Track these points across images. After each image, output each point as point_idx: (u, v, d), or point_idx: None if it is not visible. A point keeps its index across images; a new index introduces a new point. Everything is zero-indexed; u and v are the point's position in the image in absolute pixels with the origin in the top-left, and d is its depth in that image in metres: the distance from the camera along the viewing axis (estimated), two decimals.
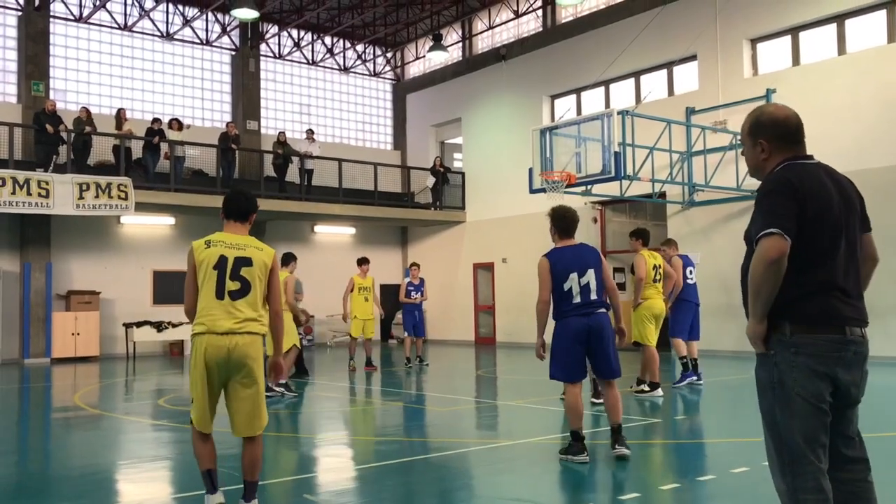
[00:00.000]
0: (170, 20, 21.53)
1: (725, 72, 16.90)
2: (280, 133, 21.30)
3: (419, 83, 25.48)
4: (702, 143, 16.15)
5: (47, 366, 17.40)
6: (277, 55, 23.67)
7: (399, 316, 17.30)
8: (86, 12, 20.22)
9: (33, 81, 19.01)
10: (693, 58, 17.59)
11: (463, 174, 23.34)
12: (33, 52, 19.13)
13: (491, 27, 23.11)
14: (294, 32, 23.68)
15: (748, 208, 15.54)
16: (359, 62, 25.43)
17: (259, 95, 22.99)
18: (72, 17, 20.15)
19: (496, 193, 21.71)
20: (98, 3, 20.08)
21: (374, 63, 26.02)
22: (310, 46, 24.27)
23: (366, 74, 25.78)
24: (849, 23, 15.47)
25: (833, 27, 15.67)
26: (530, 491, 5.57)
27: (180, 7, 21.54)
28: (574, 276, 6.23)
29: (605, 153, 13.82)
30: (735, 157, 15.84)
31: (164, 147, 18.63)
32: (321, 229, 23.13)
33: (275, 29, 23.24)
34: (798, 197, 2.98)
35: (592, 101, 20.00)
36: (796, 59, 16.22)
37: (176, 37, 21.65)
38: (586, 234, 17.99)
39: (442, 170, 22.84)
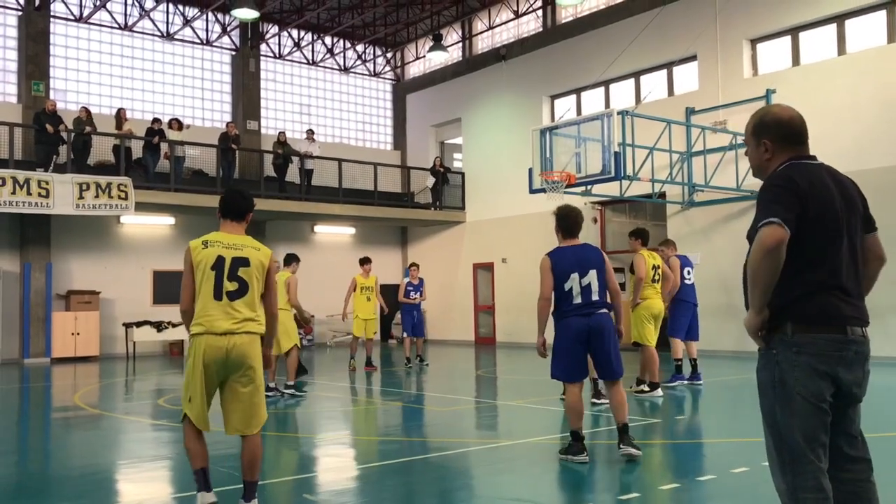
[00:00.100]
0: (170, 20, 21.54)
1: (725, 72, 16.91)
2: (280, 133, 21.31)
3: (419, 83, 25.49)
4: (702, 143, 16.15)
5: (47, 366, 17.40)
6: (277, 55, 23.68)
7: (399, 316, 17.31)
8: (86, 12, 20.23)
9: (33, 81, 19.01)
10: (693, 58, 17.59)
11: (463, 174, 23.35)
12: (33, 51, 19.13)
13: (491, 27, 23.11)
14: (294, 32, 23.68)
15: (748, 208, 15.57)
16: (359, 62, 25.43)
17: (259, 95, 22.99)
18: (72, 17, 20.16)
19: (496, 193, 21.72)
20: (98, 3, 20.09)
21: (374, 63, 26.02)
22: (310, 46, 24.28)
23: (366, 74, 25.79)
24: (849, 23, 15.47)
25: (833, 27, 15.67)
26: (530, 491, 5.57)
27: (180, 7, 21.54)
28: (575, 276, 6.22)
29: (604, 153, 13.82)
30: (735, 158, 15.85)
31: (164, 147, 18.64)
32: (321, 229, 23.13)
33: (275, 29, 23.24)
34: (800, 194, 2.98)
35: (592, 101, 20.00)
36: (796, 60, 16.22)
37: (176, 37, 21.66)
38: (586, 234, 17.97)
39: (442, 170, 22.85)
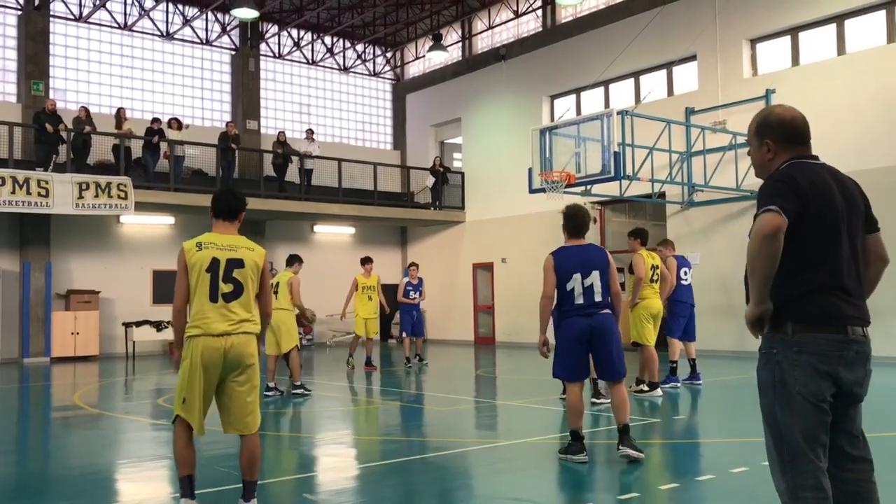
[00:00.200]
0: (170, 20, 21.53)
1: (725, 72, 16.91)
2: (280, 133, 21.30)
3: (419, 83, 25.48)
4: (701, 143, 16.15)
5: (47, 365, 17.40)
6: (277, 55, 23.67)
7: (398, 315, 17.30)
8: (86, 12, 20.22)
9: (33, 81, 19.01)
10: (693, 58, 17.59)
11: (462, 174, 23.34)
12: (33, 51, 19.12)
13: (491, 27, 23.12)
14: (294, 32, 23.68)
15: (748, 208, 15.58)
16: (358, 62, 25.43)
17: (259, 95, 22.99)
18: (72, 17, 20.15)
19: (496, 193, 21.72)
20: (98, 2, 20.08)
21: (374, 63, 26.02)
22: (309, 46, 24.28)
23: (365, 74, 25.78)
24: (848, 23, 15.47)
25: (833, 27, 15.67)
26: (530, 490, 5.57)
27: (180, 6, 21.54)
28: (577, 276, 6.21)
29: (604, 153, 13.82)
30: (734, 158, 15.85)
31: (163, 147, 18.63)
32: (321, 229, 23.13)
33: (275, 28, 23.24)
34: (800, 191, 2.99)
35: (592, 101, 20.00)
36: (796, 60, 16.22)
37: (176, 36, 21.65)
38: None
39: (441, 170, 22.84)
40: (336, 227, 23.23)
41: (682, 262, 11.16)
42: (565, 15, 21.14)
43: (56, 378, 14.88)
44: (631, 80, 19.26)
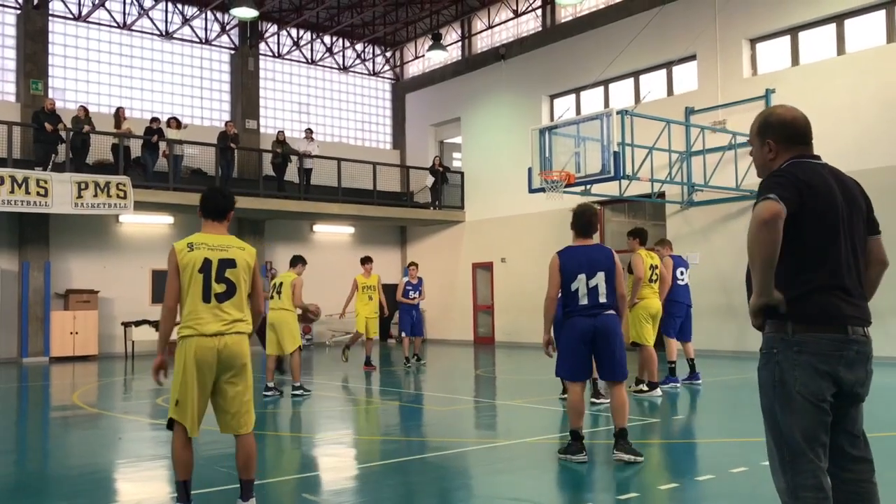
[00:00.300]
0: (169, 19, 21.52)
1: (725, 72, 16.90)
2: (279, 132, 21.28)
3: (418, 82, 25.48)
4: (701, 142, 16.15)
5: (46, 365, 17.39)
6: (277, 54, 23.66)
7: (398, 315, 17.30)
8: (85, 11, 20.21)
9: (32, 80, 18.99)
10: (692, 58, 17.59)
11: (462, 174, 23.34)
12: (32, 50, 19.11)
13: (490, 26, 23.11)
14: (293, 31, 23.67)
15: (747, 208, 15.56)
16: (358, 61, 25.43)
17: (258, 94, 22.97)
18: (71, 16, 20.14)
19: (495, 193, 21.71)
20: (97, 1, 20.06)
21: (374, 62, 26.01)
22: (309, 45, 24.27)
23: (365, 74, 25.78)
24: (848, 23, 15.47)
25: (832, 27, 15.67)
26: (529, 490, 5.56)
27: (179, 6, 21.53)
28: (582, 277, 6.18)
29: (604, 153, 13.82)
30: (734, 157, 15.85)
31: (162, 146, 18.62)
32: (320, 229, 23.12)
33: (274, 28, 23.22)
34: (800, 185, 2.99)
35: (592, 100, 20.00)
36: (795, 60, 16.22)
37: (175, 36, 21.64)
38: None
39: (441, 169, 22.84)
40: (335, 226, 23.22)
41: (679, 261, 11.14)
42: (565, 14, 21.13)
43: (55, 378, 14.87)
44: (630, 80, 19.26)
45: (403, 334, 15.17)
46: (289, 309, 10.81)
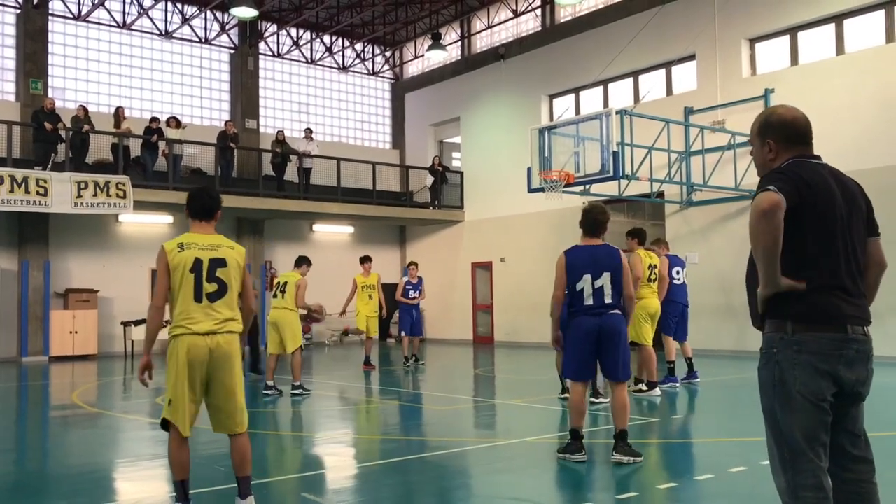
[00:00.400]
0: (168, 18, 21.52)
1: (724, 72, 16.91)
2: (279, 132, 21.28)
3: (418, 82, 25.48)
4: (700, 142, 16.15)
5: (45, 364, 17.38)
6: (276, 54, 23.66)
7: (397, 315, 17.31)
8: (84, 10, 20.20)
9: (32, 79, 18.98)
10: (691, 57, 17.60)
11: (461, 173, 23.34)
12: (32, 49, 19.10)
13: (490, 26, 23.11)
14: (293, 31, 23.66)
15: (746, 208, 15.56)
16: (357, 61, 25.42)
17: (258, 94, 22.97)
18: (70, 15, 20.13)
19: (495, 193, 21.72)
20: (97, 1, 20.05)
21: (373, 62, 26.01)
22: (308, 45, 24.26)
23: (364, 73, 25.77)
24: (847, 23, 15.47)
25: (832, 27, 15.68)
26: (528, 490, 5.57)
27: (179, 5, 21.53)
28: (588, 277, 6.16)
29: (603, 153, 13.82)
30: (733, 157, 15.85)
31: (162, 145, 18.61)
32: (319, 228, 23.12)
33: (274, 27, 23.22)
34: (799, 184, 2.99)
35: (591, 100, 20.00)
36: (795, 59, 16.23)
37: (175, 35, 21.63)
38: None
39: (440, 169, 22.84)
40: (335, 226, 23.22)
41: (675, 261, 11.14)
42: (564, 14, 21.14)
43: (54, 377, 14.87)
44: (630, 80, 19.27)
45: (403, 334, 15.19)
46: (292, 308, 10.82)
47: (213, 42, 22.38)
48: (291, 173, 20.82)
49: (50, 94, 18.91)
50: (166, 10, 21.46)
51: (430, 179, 22.80)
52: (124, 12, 20.85)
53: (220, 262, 4.67)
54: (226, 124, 20.15)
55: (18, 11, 19.37)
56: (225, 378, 4.60)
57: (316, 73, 24.75)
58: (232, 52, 22.77)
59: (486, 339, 22.19)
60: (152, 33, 21.39)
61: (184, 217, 19.27)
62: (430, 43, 22.64)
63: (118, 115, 18.73)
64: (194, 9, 21.51)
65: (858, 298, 3.08)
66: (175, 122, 19.34)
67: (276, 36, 23.48)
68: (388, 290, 16.88)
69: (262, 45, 23.17)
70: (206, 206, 4.84)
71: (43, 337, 18.12)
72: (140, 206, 17.66)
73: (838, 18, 15.54)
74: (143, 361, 4.73)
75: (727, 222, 16.35)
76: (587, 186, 14.86)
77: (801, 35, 16.17)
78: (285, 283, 10.95)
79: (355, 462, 6.87)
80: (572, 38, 20.35)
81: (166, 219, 20.05)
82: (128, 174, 17.44)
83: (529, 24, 22.21)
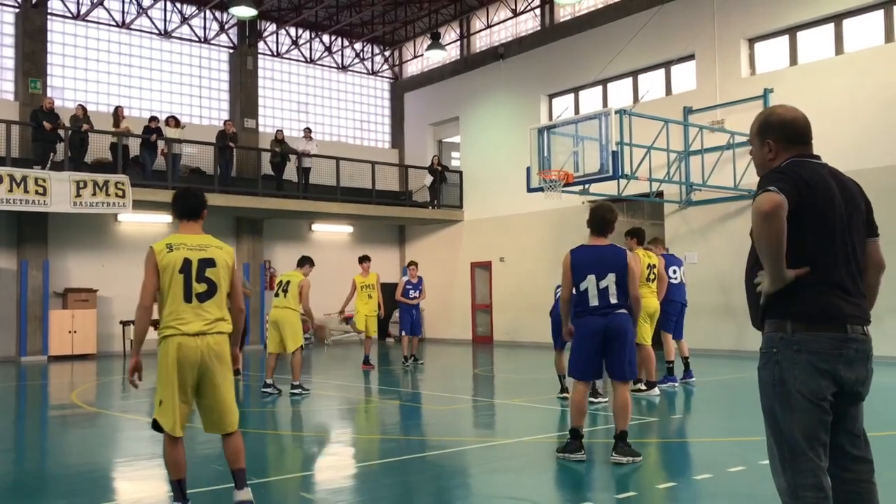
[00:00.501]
0: (168, 18, 21.50)
1: (723, 71, 16.91)
2: (278, 131, 21.28)
3: (417, 82, 25.48)
4: (699, 142, 16.16)
5: (44, 363, 17.37)
6: (275, 53, 23.65)
7: (397, 314, 17.31)
8: (83, 10, 20.19)
9: (31, 79, 18.97)
10: (691, 57, 17.60)
11: (461, 173, 23.34)
12: (31, 49, 19.09)
13: (489, 26, 23.11)
14: (292, 30, 23.66)
15: (746, 208, 15.58)
16: (357, 60, 25.42)
17: (257, 93, 22.96)
18: (69, 15, 20.12)
19: (494, 192, 21.71)
20: (96, 0, 20.04)
21: (373, 61, 26.00)
22: (308, 45, 24.25)
23: (364, 73, 25.77)
24: (846, 23, 15.48)
25: (831, 27, 15.68)
26: (527, 489, 5.56)
27: (178, 5, 21.52)
28: (592, 277, 6.15)
29: (602, 152, 13.83)
30: (732, 157, 15.86)
31: (161, 145, 18.60)
32: (319, 228, 23.11)
33: (273, 27, 23.21)
34: (799, 184, 2.99)
35: (590, 100, 20.00)
36: (794, 59, 16.23)
37: (174, 35, 21.62)
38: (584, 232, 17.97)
39: (440, 168, 22.84)
40: (334, 225, 23.21)
41: (671, 260, 11.14)
42: (564, 14, 21.14)
43: (53, 376, 14.86)
44: (629, 80, 19.27)
45: (403, 333, 15.19)
46: (293, 308, 10.81)
47: (212, 41, 22.37)
48: (290, 173, 20.82)
49: (49, 94, 18.90)
50: (165, 10, 21.44)
51: (429, 179, 22.80)
52: (123, 11, 20.84)
53: (209, 263, 4.67)
54: (225, 124, 20.14)
55: (17, 10, 19.35)
56: (216, 379, 4.60)
57: (315, 72, 24.74)
58: (231, 51, 22.76)
59: (486, 338, 22.19)
60: (151, 33, 21.38)
61: None
62: (430, 42, 22.63)
63: (117, 114, 18.72)
64: (193, 8, 21.50)
65: (858, 298, 3.08)
66: (174, 121, 19.33)
67: (275, 35, 23.47)
68: (388, 289, 16.87)
69: (261, 45, 23.16)
70: (191, 207, 4.85)
71: (42, 336, 18.11)
72: (139, 205, 17.64)
73: (837, 18, 15.55)
74: (133, 362, 4.74)
75: (726, 222, 16.35)
76: (586, 186, 14.87)
77: (800, 35, 16.17)
78: (287, 283, 10.94)
79: (354, 461, 6.87)
80: (571, 38, 20.36)
81: (165, 218, 20.01)
82: (127, 174, 17.43)
83: (529, 23, 22.21)
